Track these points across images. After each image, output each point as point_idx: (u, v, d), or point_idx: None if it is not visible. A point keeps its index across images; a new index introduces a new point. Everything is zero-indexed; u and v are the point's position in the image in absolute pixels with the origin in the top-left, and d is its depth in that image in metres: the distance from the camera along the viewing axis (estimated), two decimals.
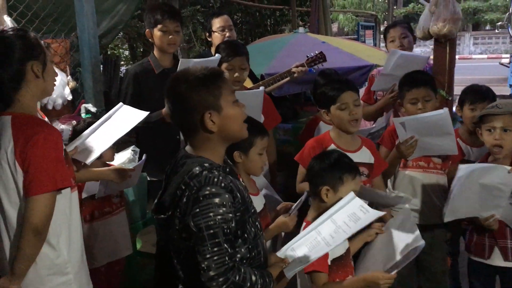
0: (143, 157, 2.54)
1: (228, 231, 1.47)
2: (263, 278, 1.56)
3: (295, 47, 4.76)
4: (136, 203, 3.00)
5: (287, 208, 2.28)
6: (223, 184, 1.49)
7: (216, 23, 3.47)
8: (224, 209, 1.46)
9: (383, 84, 3.21)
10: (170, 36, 2.87)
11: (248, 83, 3.28)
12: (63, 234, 1.83)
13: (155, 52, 2.98)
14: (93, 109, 3.64)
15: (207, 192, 1.46)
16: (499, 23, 17.49)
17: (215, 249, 1.44)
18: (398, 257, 2.01)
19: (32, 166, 1.70)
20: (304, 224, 2.13)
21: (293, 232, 2.19)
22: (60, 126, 3.50)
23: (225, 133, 1.59)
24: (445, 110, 2.46)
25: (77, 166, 2.11)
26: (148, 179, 2.95)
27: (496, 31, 21.94)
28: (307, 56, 3.41)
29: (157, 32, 2.87)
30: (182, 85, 1.56)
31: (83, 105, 3.67)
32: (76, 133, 2.54)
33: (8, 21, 3.08)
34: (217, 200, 1.46)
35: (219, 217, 1.45)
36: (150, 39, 2.99)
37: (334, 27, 24.64)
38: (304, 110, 5.10)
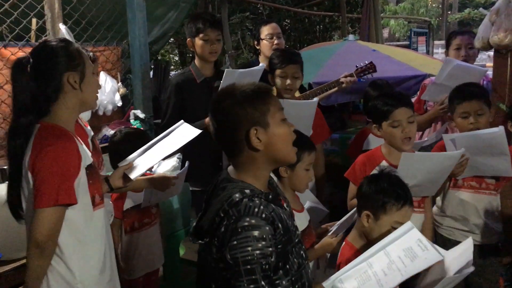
0: (186, 164, 2.53)
1: (266, 266, 1.38)
2: None
3: (345, 56, 4.65)
4: (179, 211, 3.01)
5: (327, 229, 2.21)
6: (264, 215, 1.40)
7: (265, 30, 3.44)
8: (263, 242, 1.37)
9: (434, 93, 3.07)
10: (212, 45, 2.87)
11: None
12: (76, 252, 1.79)
13: (196, 61, 2.99)
14: (141, 115, 3.71)
15: (246, 224, 1.37)
16: None
17: (251, 286, 1.35)
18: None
19: (38, 178, 1.68)
20: (343, 243, 2.03)
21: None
22: (110, 131, 3.59)
23: (272, 152, 1.50)
24: (501, 128, 2.29)
25: (125, 181, 2.08)
26: (190, 189, 2.95)
27: None
28: (357, 66, 3.32)
29: (198, 41, 2.87)
30: (228, 100, 1.50)
31: (132, 111, 3.75)
32: (113, 144, 2.55)
33: (63, 29, 3.18)
34: (256, 233, 1.37)
35: (257, 251, 1.36)
36: (191, 48, 2.99)
37: (385, 33, 24.13)
38: (352, 119, 4.99)
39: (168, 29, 5.20)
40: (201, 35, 2.85)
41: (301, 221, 2.16)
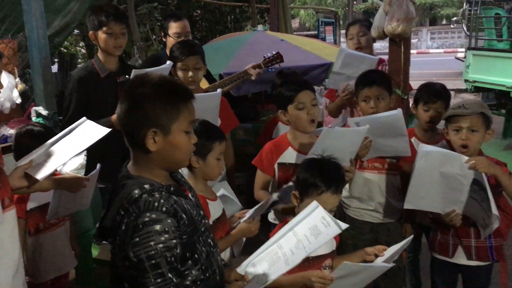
0: (98, 167, 2.42)
1: (172, 259, 1.37)
2: None
3: (254, 46, 4.72)
4: (89, 210, 2.90)
5: (241, 216, 2.25)
6: (164, 208, 1.39)
7: (173, 28, 3.38)
8: (166, 236, 1.36)
9: (334, 82, 3.25)
10: (116, 39, 2.77)
11: (204, 83, 3.22)
12: None
13: (100, 54, 2.87)
14: (44, 112, 3.50)
15: (146, 219, 1.36)
16: (454, 18, 18.02)
17: (158, 280, 1.35)
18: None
19: None
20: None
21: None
22: (9, 131, 3.34)
23: (164, 158, 1.49)
24: (399, 110, 2.45)
25: (30, 181, 1.97)
26: (99, 186, 2.85)
27: (452, 26, 22.59)
28: (264, 57, 3.38)
29: (101, 35, 2.77)
30: (140, 89, 1.45)
31: (34, 108, 3.52)
32: (17, 140, 2.41)
33: None
34: (158, 227, 1.36)
35: (160, 245, 1.35)
36: (94, 42, 2.88)
37: (296, 23, 24.79)
38: (265, 109, 5.08)
39: (71, 20, 4.94)
40: (104, 29, 2.75)
41: (215, 209, 2.19)
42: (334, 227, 1.65)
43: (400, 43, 2.95)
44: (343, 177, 2.09)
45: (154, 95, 1.44)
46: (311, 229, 1.67)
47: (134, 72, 2.54)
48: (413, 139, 2.87)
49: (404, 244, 2.00)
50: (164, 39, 3.48)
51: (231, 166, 3.07)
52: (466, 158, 2.20)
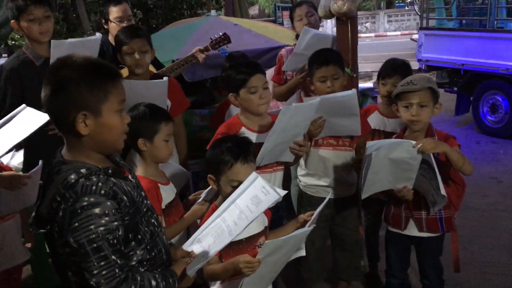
0: (40, 163, 2.31)
1: (115, 241, 1.36)
2: (165, 280, 1.49)
3: (207, 31, 4.64)
4: None
5: (196, 198, 2.25)
6: (103, 191, 1.37)
7: (114, 12, 3.28)
8: (107, 218, 1.35)
9: (294, 64, 3.22)
10: (41, 24, 2.59)
11: (151, 69, 3.17)
12: None
13: (29, 42, 2.69)
14: None
15: (85, 203, 1.34)
16: (408, 0, 18.39)
17: (102, 263, 1.33)
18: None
19: None
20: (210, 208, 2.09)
21: None
22: None
23: (98, 141, 1.46)
24: (353, 91, 2.48)
25: None
26: None
27: (406, 8, 23.04)
28: (211, 38, 3.35)
29: (24, 23, 2.57)
30: (64, 71, 1.40)
31: None
32: None
33: None
34: (97, 210, 1.34)
35: (101, 228, 1.33)
36: (18, 31, 2.68)
37: (255, 10, 24.74)
38: (221, 94, 5.04)
39: None
40: (24, 15, 2.55)
41: (167, 193, 2.19)
42: (273, 194, 1.69)
43: (347, 22, 2.97)
44: (250, 145, 2.05)
45: (79, 78, 1.39)
46: (252, 199, 1.70)
47: (53, 44, 2.41)
48: (375, 113, 2.92)
49: (323, 205, 2.06)
50: (106, 26, 3.38)
51: (184, 158, 2.98)
52: (413, 142, 2.24)
